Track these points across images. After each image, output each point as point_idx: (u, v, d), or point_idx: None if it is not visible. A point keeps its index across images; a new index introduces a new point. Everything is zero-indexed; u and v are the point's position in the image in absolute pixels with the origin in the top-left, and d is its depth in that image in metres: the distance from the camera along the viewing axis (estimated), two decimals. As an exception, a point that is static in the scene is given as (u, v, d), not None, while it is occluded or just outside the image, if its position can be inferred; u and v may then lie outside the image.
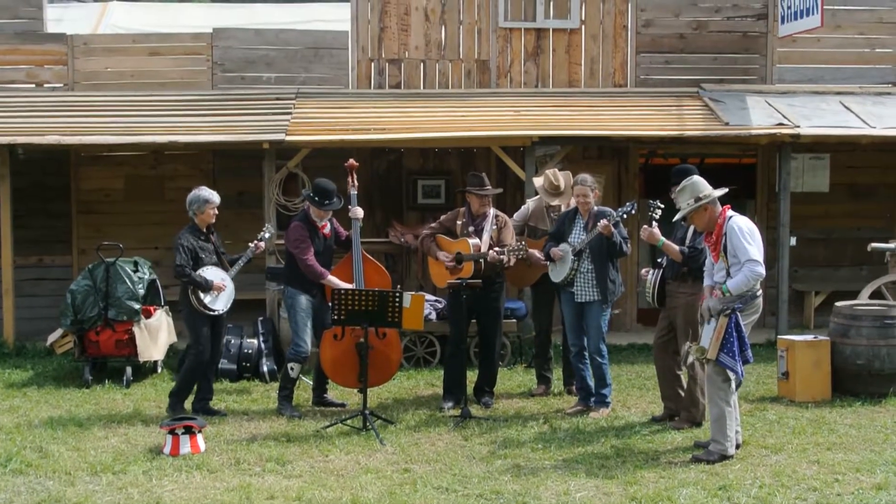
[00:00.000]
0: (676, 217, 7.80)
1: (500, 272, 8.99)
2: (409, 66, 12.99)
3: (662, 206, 8.16)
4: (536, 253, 9.01)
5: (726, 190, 7.44)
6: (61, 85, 12.70)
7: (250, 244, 8.90)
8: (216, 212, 8.71)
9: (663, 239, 8.01)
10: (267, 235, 9.14)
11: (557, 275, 8.73)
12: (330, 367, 8.73)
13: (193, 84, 12.74)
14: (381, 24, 12.91)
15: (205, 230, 8.69)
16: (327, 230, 8.87)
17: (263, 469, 7.09)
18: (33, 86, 12.75)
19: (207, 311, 8.54)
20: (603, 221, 8.37)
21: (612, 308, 9.12)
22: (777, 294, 11.73)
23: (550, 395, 9.37)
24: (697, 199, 7.27)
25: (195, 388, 8.73)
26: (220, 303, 8.63)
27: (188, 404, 8.68)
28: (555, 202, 9.34)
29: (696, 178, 7.40)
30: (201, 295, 8.49)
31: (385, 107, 12.31)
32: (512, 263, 8.81)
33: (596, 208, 8.65)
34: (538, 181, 9.68)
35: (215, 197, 8.69)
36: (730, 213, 7.30)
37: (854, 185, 13.36)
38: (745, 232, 7.18)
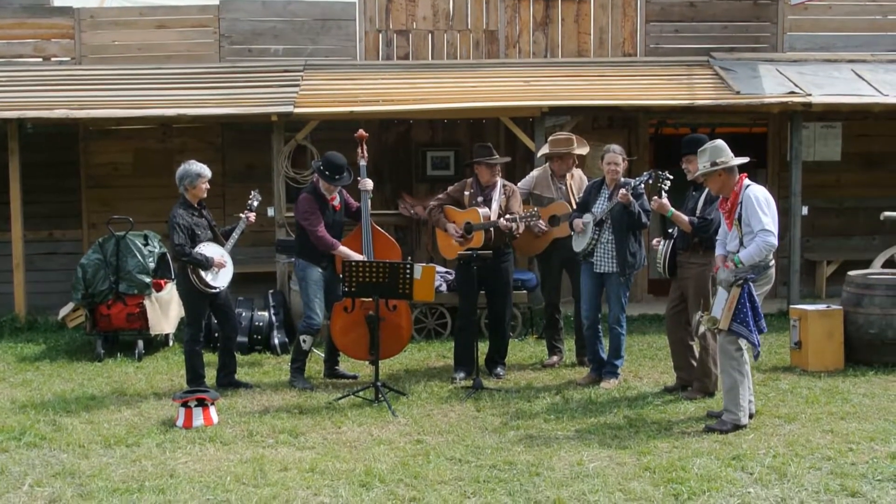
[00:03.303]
0: (690, 177, 7.78)
1: (509, 242, 8.97)
2: (417, 37, 12.91)
3: (671, 177, 8.12)
4: (541, 222, 9.01)
5: (746, 159, 7.38)
6: (68, 59, 12.69)
7: (241, 215, 8.70)
8: (208, 186, 8.52)
9: (672, 210, 7.99)
10: (255, 204, 8.80)
11: (578, 245, 8.70)
12: (341, 339, 8.73)
13: (201, 57, 12.71)
14: (388, -5, 12.82)
15: (196, 205, 8.50)
16: (337, 202, 8.79)
17: (276, 441, 7.10)
18: (40, 60, 12.75)
19: (209, 289, 8.39)
20: (622, 191, 8.33)
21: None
22: (789, 264, 11.69)
23: (562, 366, 9.37)
24: (714, 164, 7.24)
25: (219, 363, 8.70)
26: (220, 279, 8.46)
27: (212, 381, 8.61)
28: (573, 150, 9.23)
29: (719, 142, 7.36)
30: (202, 273, 8.33)
31: (393, 78, 12.25)
32: (521, 231, 8.78)
33: (622, 179, 8.61)
34: (545, 149, 9.61)
35: (206, 170, 8.47)
36: (747, 181, 7.25)
37: (866, 153, 13.28)
38: (761, 201, 7.12)
